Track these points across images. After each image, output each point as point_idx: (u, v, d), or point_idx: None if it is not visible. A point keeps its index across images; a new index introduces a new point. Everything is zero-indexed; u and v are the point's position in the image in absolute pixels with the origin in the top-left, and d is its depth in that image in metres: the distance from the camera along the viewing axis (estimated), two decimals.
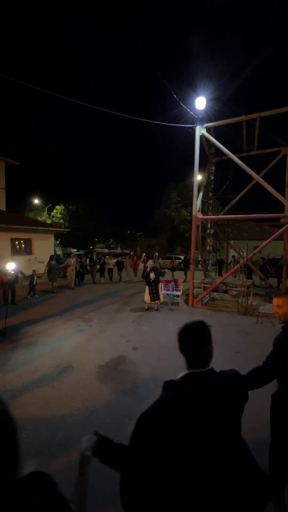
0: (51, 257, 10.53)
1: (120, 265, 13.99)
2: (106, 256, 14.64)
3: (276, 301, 1.89)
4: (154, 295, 7.67)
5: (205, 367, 1.15)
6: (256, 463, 1.16)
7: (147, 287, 7.78)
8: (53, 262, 10.33)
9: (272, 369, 1.82)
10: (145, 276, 7.68)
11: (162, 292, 8.62)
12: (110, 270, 13.63)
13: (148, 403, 1.55)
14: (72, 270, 11.13)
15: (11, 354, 4.70)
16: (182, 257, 18.63)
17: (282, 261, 12.79)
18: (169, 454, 0.98)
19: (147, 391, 3.54)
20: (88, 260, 13.29)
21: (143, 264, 14.53)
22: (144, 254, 16.58)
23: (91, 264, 12.94)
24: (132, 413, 3.04)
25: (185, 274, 13.99)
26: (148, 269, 7.64)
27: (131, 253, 16.64)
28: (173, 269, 13.78)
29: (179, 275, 13.32)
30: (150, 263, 7.91)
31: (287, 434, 1.84)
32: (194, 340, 1.16)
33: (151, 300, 7.70)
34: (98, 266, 13.15)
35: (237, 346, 5.18)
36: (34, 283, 9.38)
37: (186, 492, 0.97)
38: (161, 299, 7.90)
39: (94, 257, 13.24)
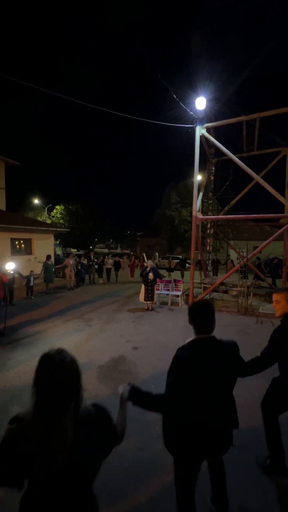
0: (48, 257, 10.29)
1: (116, 266, 13.82)
2: (105, 256, 14.57)
3: (274, 296, 2.28)
4: (149, 295, 7.69)
5: (208, 334, 1.53)
6: (235, 407, 1.65)
7: (143, 286, 7.78)
8: (50, 262, 10.07)
9: (268, 359, 2.06)
10: (144, 275, 7.67)
11: (162, 292, 8.63)
12: (108, 270, 13.54)
13: None
14: (71, 271, 10.98)
15: (11, 354, 4.70)
16: (182, 257, 18.53)
17: (276, 261, 12.91)
18: (182, 391, 1.43)
19: (147, 391, 3.54)
20: (86, 260, 13.13)
21: (140, 263, 14.54)
22: (144, 254, 16.54)
23: (90, 263, 12.79)
24: (132, 413, 3.02)
25: (182, 274, 13.95)
26: (148, 269, 7.63)
27: (131, 253, 16.62)
28: (170, 270, 13.74)
29: (176, 275, 13.32)
30: (150, 263, 7.89)
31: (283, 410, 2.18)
32: (200, 312, 1.54)
33: (145, 300, 7.73)
34: (96, 266, 13.05)
35: None
36: (31, 284, 9.18)
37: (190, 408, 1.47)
38: (155, 299, 7.94)
39: (92, 257, 13.07)
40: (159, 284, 8.48)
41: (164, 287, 8.79)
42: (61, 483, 0.92)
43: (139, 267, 14.71)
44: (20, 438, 0.90)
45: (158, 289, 8.69)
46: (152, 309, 7.84)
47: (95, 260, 13.18)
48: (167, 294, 8.74)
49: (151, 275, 7.56)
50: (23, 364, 4.30)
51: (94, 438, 0.98)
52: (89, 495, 1.03)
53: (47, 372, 0.98)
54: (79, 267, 11.68)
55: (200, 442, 1.49)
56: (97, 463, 1.00)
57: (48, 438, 0.89)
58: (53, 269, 10.34)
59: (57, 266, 11.03)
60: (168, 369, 1.51)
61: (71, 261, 11.07)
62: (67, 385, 0.96)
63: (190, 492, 1.65)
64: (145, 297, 7.72)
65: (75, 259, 11.79)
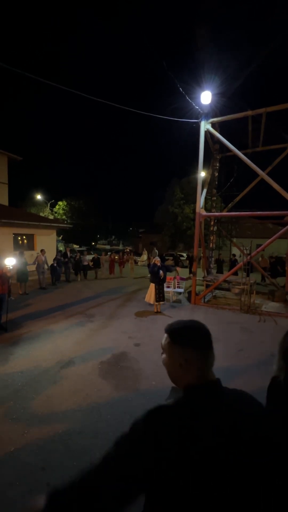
0: (20, 253, 8.88)
1: (96, 263, 12.88)
2: (83, 252, 13.46)
3: None
4: (160, 295, 7.02)
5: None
6: None
7: (152, 285, 7.15)
8: (23, 260, 8.76)
9: None
10: (155, 272, 6.97)
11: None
12: (85, 267, 12.55)
13: (150, 400, 1.51)
14: (43, 268, 9.93)
15: (13, 349, 4.70)
16: (163, 254, 18.06)
17: (233, 258, 13.09)
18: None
19: (149, 388, 3.52)
20: (62, 257, 11.72)
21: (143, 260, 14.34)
22: (145, 250, 16.42)
23: (66, 260, 11.64)
24: (133, 410, 3.02)
25: None
26: (158, 266, 6.97)
27: (127, 250, 16.35)
28: (150, 266, 13.61)
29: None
30: (157, 259, 7.25)
31: None
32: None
33: (157, 301, 7.05)
34: (73, 262, 12.09)
35: (240, 344, 5.14)
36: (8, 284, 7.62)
37: None
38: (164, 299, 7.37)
39: (68, 253, 12.00)
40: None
41: (166, 284, 8.73)
42: None
43: (118, 264, 13.97)
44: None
45: (169, 287, 8.43)
46: (160, 312, 7.20)
47: (72, 256, 12.25)
48: (167, 291, 8.69)
49: (162, 273, 6.94)
50: (26, 359, 4.30)
51: None
52: None
53: None
54: (55, 264, 10.59)
55: None
56: None
57: None
58: (26, 267, 8.90)
59: (30, 264, 9.47)
60: None
61: (43, 258, 9.94)
62: None
63: None
64: (156, 298, 7.02)
65: (68, 253, 10.92)
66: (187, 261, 15.33)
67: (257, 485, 0.75)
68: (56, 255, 11.09)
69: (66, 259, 11.72)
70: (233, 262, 13.06)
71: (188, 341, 0.85)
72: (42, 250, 10.25)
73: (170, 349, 0.87)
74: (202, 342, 0.86)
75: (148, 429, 0.75)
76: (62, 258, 11.28)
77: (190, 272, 13.90)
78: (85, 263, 12.53)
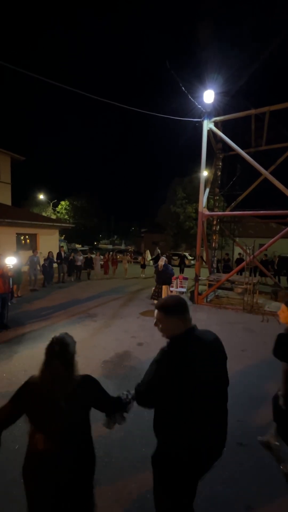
0: (14, 253, 8.39)
1: (88, 263, 12.44)
2: (77, 252, 13.08)
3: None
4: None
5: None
6: None
7: (165, 287, 7.05)
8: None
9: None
10: (164, 272, 6.95)
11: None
12: (79, 268, 12.15)
13: None
14: (35, 269, 9.59)
15: (16, 347, 4.73)
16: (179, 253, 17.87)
17: (226, 258, 13.28)
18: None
19: None
20: (55, 256, 11.25)
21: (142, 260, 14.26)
22: (147, 251, 16.35)
23: (58, 261, 11.14)
24: (137, 409, 3.01)
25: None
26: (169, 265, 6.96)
27: (130, 249, 16.13)
28: (143, 266, 13.53)
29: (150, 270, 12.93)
30: (164, 258, 7.30)
31: None
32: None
33: None
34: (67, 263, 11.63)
35: (243, 344, 5.13)
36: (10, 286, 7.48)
37: None
38: None
39: (62, 253, 11.49)
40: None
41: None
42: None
43: (111, 264, 13.60)
44: None
45: (172, 286, 8.41)
46: None
47: (65, 257, 11.74)
48: (171, 291, 8.69)
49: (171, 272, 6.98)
50: (29, 358, 4.32)
51: None
52: None
53: None
54: (46, 265, 10.13)
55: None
56: None
57: None
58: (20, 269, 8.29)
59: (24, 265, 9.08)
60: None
61: (35, 258, 9.60)
62: None
63: None
64: None
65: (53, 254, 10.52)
66: (178, 260, 15.51)
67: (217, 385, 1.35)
68: (48, 255, 10.50)
69: (59, 260, 11.10)
70: (227, 262, 13.09)
71: (173, 312, 1.34)
72: (34, 251, 9.91)
73: (163, 319, 1.36)
74: (181, 310, 1.33)
75: (157, 362, 1.36)
76: (53, 258, 10.68)
77: (180, 271, 14.03)
78: (79, 263, 12.07)
